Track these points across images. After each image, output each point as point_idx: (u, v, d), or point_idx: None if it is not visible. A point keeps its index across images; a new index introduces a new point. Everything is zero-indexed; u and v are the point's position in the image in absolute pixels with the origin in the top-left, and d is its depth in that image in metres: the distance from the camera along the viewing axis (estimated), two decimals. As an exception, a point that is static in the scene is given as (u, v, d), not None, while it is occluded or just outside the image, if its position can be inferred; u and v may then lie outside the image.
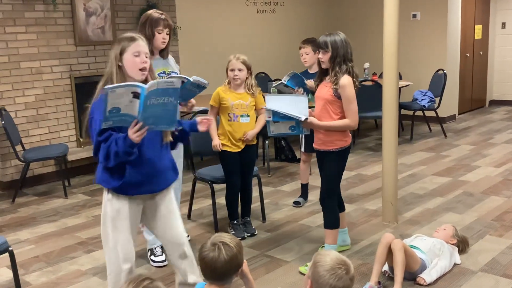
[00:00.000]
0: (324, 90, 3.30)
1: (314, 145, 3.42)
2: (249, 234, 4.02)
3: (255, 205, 4.55)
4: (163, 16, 3.57)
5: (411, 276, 3.19)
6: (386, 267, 3.25)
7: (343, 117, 3.27)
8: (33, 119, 5.54)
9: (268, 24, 8.20)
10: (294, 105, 3.23)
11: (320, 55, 3.31)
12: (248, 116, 3.88)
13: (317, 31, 9.05)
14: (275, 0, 8.29)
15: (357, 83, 3.31)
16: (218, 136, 3.90)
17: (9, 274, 3.35)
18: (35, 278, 3.48)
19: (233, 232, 3.98)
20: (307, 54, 4.42)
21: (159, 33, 3.53)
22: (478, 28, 9.15)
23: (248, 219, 4.14)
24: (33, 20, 5.43)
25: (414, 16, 8.30)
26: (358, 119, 3.26)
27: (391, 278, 3.18)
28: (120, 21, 6.14)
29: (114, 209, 2.55)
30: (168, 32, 3.60)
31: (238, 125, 3.86)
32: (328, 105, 3.28)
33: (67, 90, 5.75)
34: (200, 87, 3.41)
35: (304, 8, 8.79)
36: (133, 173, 2.48)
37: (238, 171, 3.96)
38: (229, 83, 3.88)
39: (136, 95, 2.31)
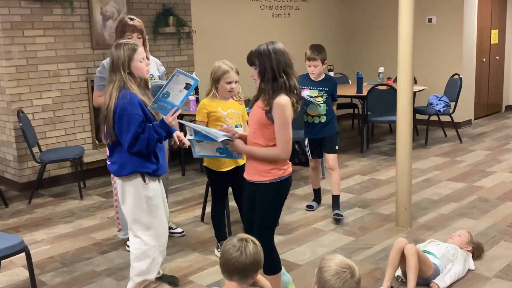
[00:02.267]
0: (257, 112, 2.73)
1: (245, 175, 2.87)
2: None
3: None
4: (130, 22, 3.65)
5: (424, 281, 3.18)
6: (399, 272, 3.25)
7: None
8: (50, 121, 5.62)
9: (283, 28, 8.21)
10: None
11: (252, 72, 2.80)
12: (241, 126, 3.60)
13: (332, 35, 9.07)
14: (290, 4, 8.31)
15: (295, 101, 2.69)
16: None
17: (25, 273, 3.40)
18: (50, 278, 3.52)
19: None
20: (316, 67, 4.25)
21: (129, 38, 3.60)
22: (495, 33, 9.07)
23: None
24: (51, 24, 5.51)
25: (430, 20, 8.27)
26: (290, 149, 2.70)
27: (404, 283, 3.17)
28: (136, 24, 6.20)
29: (152, 191, 2.96)
30: (139, 36, 3.66)
31: None
32: (261, 129, 2.72)
33: (84, 93, 5.83)
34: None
35: (319, 12, 8.80)
36: (160, 156, 2.98)
37: (227, 190, 3.71)
38: (214, 94, 3.55)
39: (187, 87, 2.81)
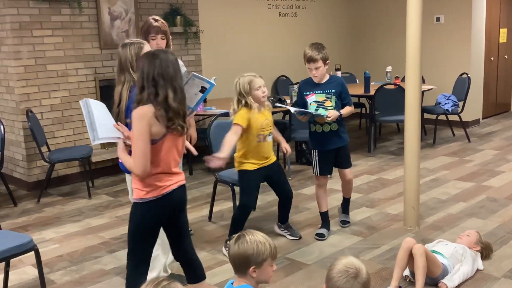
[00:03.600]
0: None
1: None
2: (297, 238, 4.00)
3: (275, 208, 4.56)
4: (155, 23, 3.70)
5: (432, 281, 3.17)
6: (407, 272, 3.24)
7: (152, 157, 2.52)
8: (58, 121, 5.65)
9: (290, 28, 8.21)
10: (108, 123, 2.71)
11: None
12: (271, 132, 3.77)
13: (340, 34, 9.05)
14: (297, 4, 8.31)
15: (164, 115, 2.43)
16: (243, 155, 3.71)
17: (34, 272, 3.42)
18: (59, 277, 3.54)
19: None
20: (318, 69, 3.76)
21: (153, 40, 3.67)
22: (503, 32, 9.02)
23: (289, 223, 4.11)
24: (59, 24, 5.54)
25: (438, 19, 8.23)
26: (144, 165, 2.44)
27: (412, 283, 3.16)
28: (144, 24, 6.23)
29: None
30: (163, 37, 3.73)
31: (267, 144, 3.73)
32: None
33: (92, 92, 5.85)
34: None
35: (326, 11, 8.79)
36: None
37: (258, 189, 3.83)
38: (247, 105, 3.59)
39: (202, 90, 2.81)
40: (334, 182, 5.11)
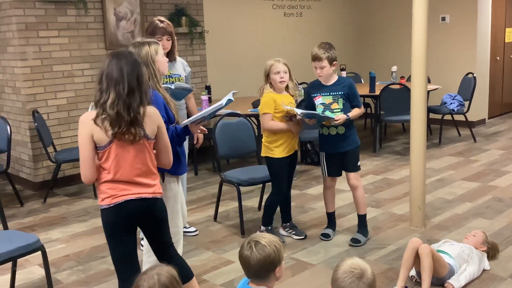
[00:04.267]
0: None
1: None
2: (302, 237, 4.02)
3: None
4: (160, 24, 3.75)
5: (439, 281, 3.16)
6: (413, 272, 3.23)
7: (102, 164, 2.47)
8: (64, 121, 5.67)
9: (295, 28, 8.21)
10: None
11: None
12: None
13: (345, 34, 9.04)
14: (302, 4, 8.31)
15: (106, 118, 2.32)
16: (274, 143, 3.79)
17: (41, 272, 3.44)
18: (66, 276, 3.56)
19: None
20: (322, 69, 3.70)
21: (158, 41, 3.64)
22: (509, 31, 8.99)
23: (293, 222, 4.15)
24: (65, 25, 5.56)
25: (443, 19, 8.21)
26: (84, 173, 2.44)
27: (419, 283, 3.16)
28: (149, 25, 6.24)
29: (169, 191, 2.95)
30: (168, 38, 3.79)
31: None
32: None
33: (97, 93, 5.86)
34: (187, 89, 3.75)
35: (331, 11, 8.78)
36: (181, 155, 2.98)
37: (286, 177, 3.90)
38: (271, 87, 3.76)
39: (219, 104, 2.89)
40: (340, 182, 5.08)
